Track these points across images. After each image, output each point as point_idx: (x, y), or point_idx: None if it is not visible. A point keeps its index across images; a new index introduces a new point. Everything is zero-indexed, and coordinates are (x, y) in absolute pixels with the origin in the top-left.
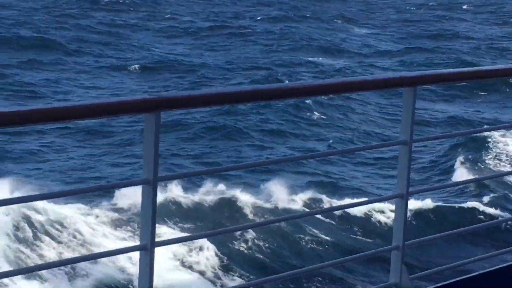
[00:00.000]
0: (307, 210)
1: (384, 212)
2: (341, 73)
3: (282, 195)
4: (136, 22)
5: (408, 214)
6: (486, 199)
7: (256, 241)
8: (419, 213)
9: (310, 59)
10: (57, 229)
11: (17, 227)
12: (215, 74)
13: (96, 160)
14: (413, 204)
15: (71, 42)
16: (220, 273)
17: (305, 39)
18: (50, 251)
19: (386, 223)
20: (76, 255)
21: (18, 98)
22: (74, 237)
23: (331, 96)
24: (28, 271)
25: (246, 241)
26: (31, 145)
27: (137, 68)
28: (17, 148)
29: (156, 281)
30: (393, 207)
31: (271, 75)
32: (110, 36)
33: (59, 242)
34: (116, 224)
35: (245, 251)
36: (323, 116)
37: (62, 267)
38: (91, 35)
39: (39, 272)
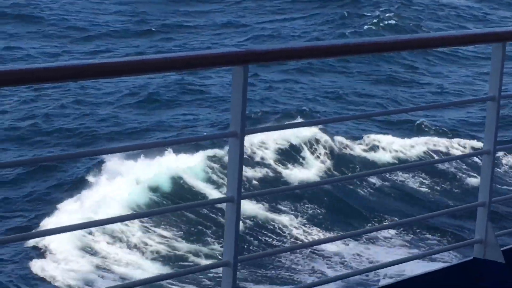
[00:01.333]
0: (406, 163)
1: (471, 168)
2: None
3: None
4: None
5: (495, 170)
6: None
7: (338, 194)
8: (506, 170)
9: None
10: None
11: None
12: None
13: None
14: (501, 160)
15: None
16: (307, 226)
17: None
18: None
19: (473, 179)
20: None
21: None
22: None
23: (420, 50)
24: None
25: (332, 195)
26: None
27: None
28: None
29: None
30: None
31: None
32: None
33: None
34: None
35: (334, 204)
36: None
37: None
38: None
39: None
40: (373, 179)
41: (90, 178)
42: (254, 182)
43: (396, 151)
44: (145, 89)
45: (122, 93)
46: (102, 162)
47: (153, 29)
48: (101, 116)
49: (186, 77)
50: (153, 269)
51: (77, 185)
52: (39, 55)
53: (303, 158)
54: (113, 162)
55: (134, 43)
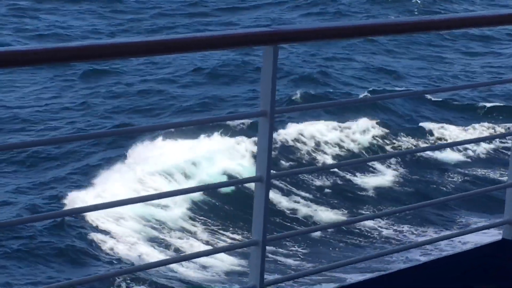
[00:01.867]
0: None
1: (500, 150)
2: None
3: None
4: None
5: None
6: None
7: (385, 171)
8: None
9: None
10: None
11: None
12: None
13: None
14: None
15: None
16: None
17: None
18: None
19: (501, 161)
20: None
21: None
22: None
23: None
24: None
25: (372, 172)
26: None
27: None
28: None
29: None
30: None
31: None
32: None
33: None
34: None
35: (373, 183)
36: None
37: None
38: None
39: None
40: (402, 160)
41: (128, 159)
42: (327, 190)
43: (466, 148)
44: (206, 66)
45: (184, 70)
46: (137, 141)
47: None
48: (162, 93)
49: (247, 56)
50: (182, 247)
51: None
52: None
53: (373, 166)
54: (149, 141)
55: (183, 22)
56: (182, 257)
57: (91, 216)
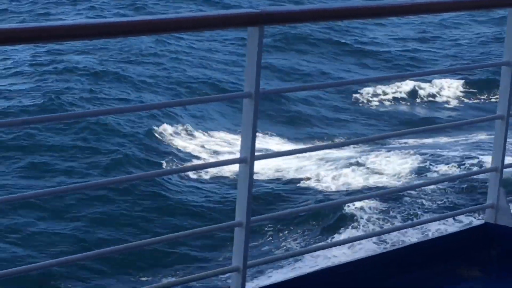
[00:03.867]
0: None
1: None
2: None
3: None
4: None
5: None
6: None
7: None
8: None
9: None
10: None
11: None
12: None
13: None
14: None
15: None
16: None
17: None
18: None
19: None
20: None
21: None
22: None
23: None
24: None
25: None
26: None
27: None
28: None
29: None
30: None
31: None
32: None
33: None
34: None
35: (360, 166)
36: None
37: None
38: None
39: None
40: (384, 144)
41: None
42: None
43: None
44: None
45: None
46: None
47: None
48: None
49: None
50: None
51: None
52: None
53: (359, 148)
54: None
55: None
56: (163, 239)
57: None
